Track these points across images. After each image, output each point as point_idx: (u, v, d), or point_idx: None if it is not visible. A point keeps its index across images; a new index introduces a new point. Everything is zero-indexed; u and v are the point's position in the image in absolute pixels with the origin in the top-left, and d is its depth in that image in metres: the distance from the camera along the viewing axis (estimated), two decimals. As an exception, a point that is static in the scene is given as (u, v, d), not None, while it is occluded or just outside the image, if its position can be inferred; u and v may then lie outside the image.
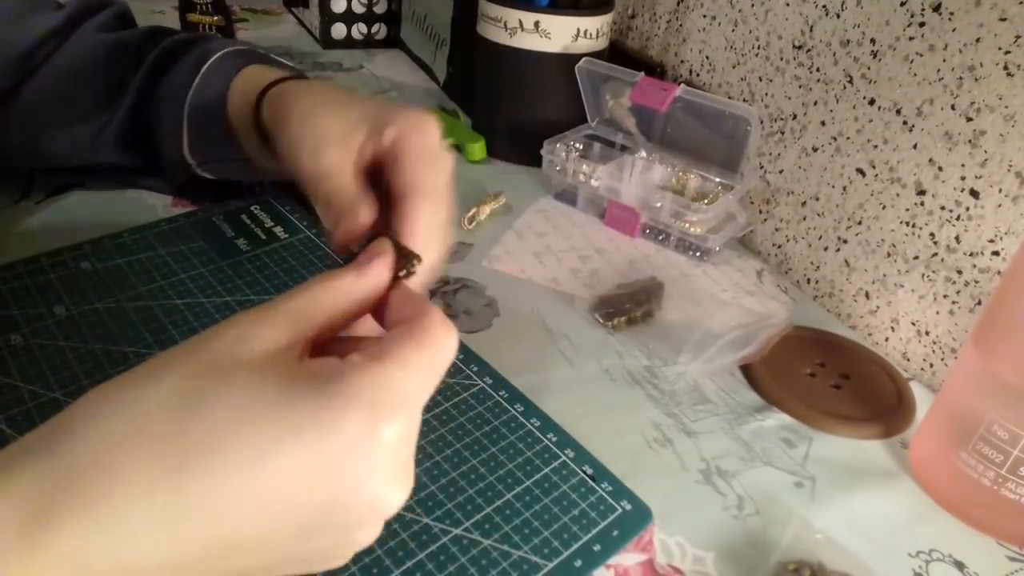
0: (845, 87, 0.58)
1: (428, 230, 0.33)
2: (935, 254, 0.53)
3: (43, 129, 0.54)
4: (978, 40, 0.48)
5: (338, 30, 1.04)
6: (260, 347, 0.24)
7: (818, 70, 0.60)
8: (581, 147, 0.72)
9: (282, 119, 0.41)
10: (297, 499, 0.23)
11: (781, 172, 0.65)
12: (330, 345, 0.28)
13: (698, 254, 0.65)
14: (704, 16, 0.72)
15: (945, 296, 0.53)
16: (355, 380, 0.24)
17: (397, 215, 0.34)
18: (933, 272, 0.53)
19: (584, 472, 0.42)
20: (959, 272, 0.52)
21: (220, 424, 0.22)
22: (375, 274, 0.29)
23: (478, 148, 0.77)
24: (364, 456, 0.23)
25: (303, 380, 0.24)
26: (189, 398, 0.23)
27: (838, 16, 0.58)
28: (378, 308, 0.29)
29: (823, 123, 0.60)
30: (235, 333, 0.24)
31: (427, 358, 0.26)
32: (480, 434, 0.44)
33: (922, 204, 0.53)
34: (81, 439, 0.22)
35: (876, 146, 0.56)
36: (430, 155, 0.35)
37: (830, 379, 0.52)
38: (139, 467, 0.22)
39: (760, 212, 0.68)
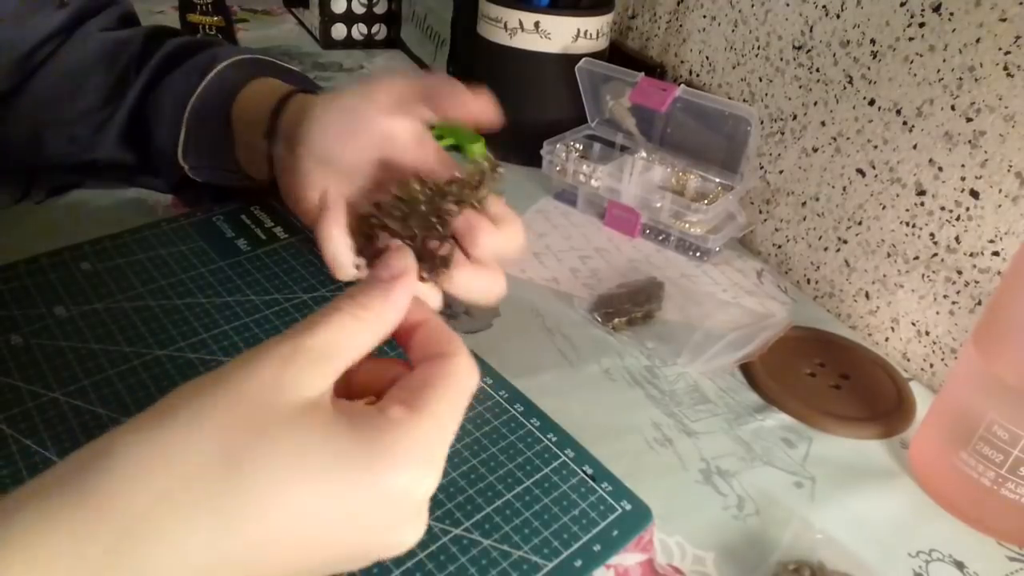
0: (845, 87, 0.58)
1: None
2: (935, 254, 0.53)
3: (45, 126, 0.55)
4: (978, 40, 0.48)
5: (338, 30, 1.04)
6: (296, 396, 0.24)
7: (818, 70, 0.60)
8: (581, 147, 0.72)
9: (317, 109, 0.41)
10: (335, 546, 0.24)
11: (781, 172, 0.65)
12: (353, 378, 0.28)
13: (698, 254, 0.65)
14: (704, 16, 0.72)
15: (945, 296, 0.53)
16: (401, 440, 0.24)
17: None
18: (933, 272, 0.53)
19: (584, 472, 0.42)
20: (959, 272, 0.52)
21: (268, 482, 0.22)
22: (402, 297, 0.28)
23: (478, 148, 0.77)
24: (401, 510, 0.25)
25: (346, 435, 0.24)
26: (233, 453, 0.22)
27: (838, 16, 0.58)
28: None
29: (823, 123, 0.60)
30: (269, 377, 0.24)
31: (459, 406, 0.27)
32: (480, 434, 0.44)
33: (922, 204, 0.53)
34: (127, 491, 0.22)
35: (876, 146, 0.56)
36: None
37: (830, 379, 0.52)
38: (187, 526, 0.22)
39: (760, 212, 0.68)
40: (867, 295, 0.59)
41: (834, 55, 0.58)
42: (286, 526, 0.23)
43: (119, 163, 0.57)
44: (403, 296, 0.28)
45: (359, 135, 0.39)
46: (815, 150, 0.61)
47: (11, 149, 0.55)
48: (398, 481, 0.24)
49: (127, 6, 0.60)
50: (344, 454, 0.23)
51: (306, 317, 0.27)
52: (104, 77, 0.55)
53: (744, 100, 0.68)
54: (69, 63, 0.55)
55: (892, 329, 0.57)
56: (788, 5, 0.62)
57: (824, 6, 0.59)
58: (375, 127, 0.38)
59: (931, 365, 0.55)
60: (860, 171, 0.58)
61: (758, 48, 0.66)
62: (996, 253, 0.49)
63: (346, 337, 0.26)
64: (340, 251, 0.33)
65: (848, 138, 0.58)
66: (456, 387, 0.27)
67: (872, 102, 0.56)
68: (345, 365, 0.26)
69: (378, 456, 0.24)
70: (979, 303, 0.51)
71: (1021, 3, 0.45)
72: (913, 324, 0.55)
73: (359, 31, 1.05)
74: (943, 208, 0.52)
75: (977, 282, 0.51)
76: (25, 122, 0.54)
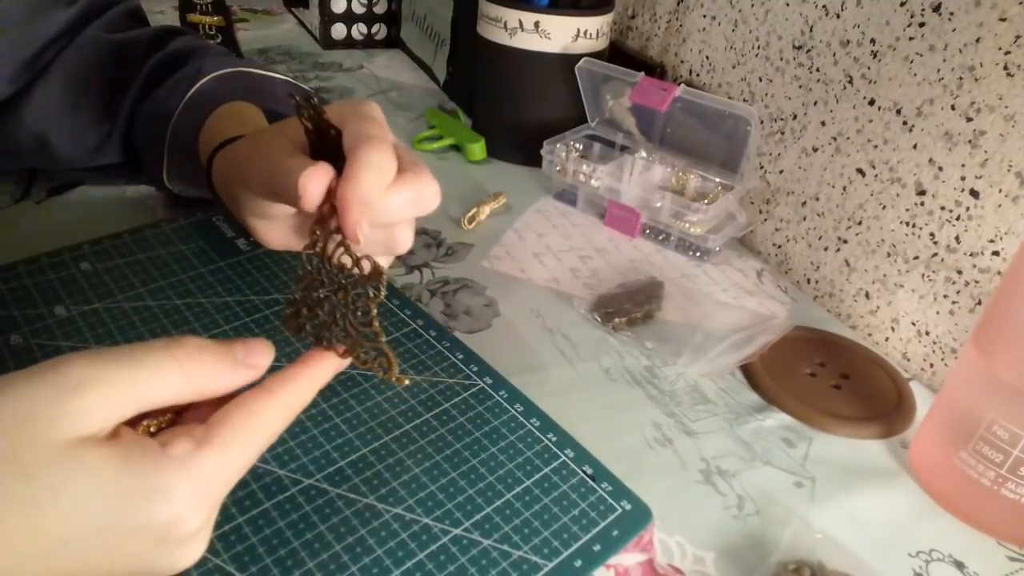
0: (845, 87, 0.58)
1: (381, 162, 0.32)
2: (935, 254, 0.53)
3: (51, 132, 0.54)
4: (978, 40, 0.48)
5: (338, 30, 1.04)
6: (67, 433, 0.24)
7: (818, 70, 0.60)
8: (581, 147, 0.72)
9: (232, 155, 0.41)
10: (95, 572, 0.25)
11: (781, 172, 0.65)
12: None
13: (698, 254, 0.65)
14: (704, 16, 0.72)
15: (945, 296, 0.53)
16: (174, 478, 0.25)
17: (348, 162, 0.32)
18: (933, 272, 0.53)
19: (584, 472, 0.42)
20: (959, 272, 0.52)
21: (21, 518, 0.23)
22: (242, 380, 0.28)
23: (478, 148, 0.77)
24: (166, 542, 0.25)
25: (114, 473, 0.24)
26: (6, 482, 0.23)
27: (838, 16, 0.58)
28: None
29: (823, 123, 0.60)
30: (44, 412, 0.24)
31: (252, 445, 0.27)
32: (480, 434, 0.44)
33: (922, 204, 0.53)
34: None
35: (876, 146, 0.56)
36: (371, 114, 0.34)
37: (830, 379, 0.52)
38: None
39: (760, 212, 0.68)
40: (867, 295, 0.59)
41: (834, 55, 0.58)
42: (38, 557, 0.23)
43: (120, 166, 0.57)
44: (242, 380, 0.28)
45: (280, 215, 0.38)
46: (815, 150, 0.61)
47: (20, 153, 0.55)
48: (160, 518, 0.25)
49: (133, 2, 0.60)
50: (110, 493, 0.24)
51: (136, 343, 0.26)
52: (108, 83, 0.55)
53: (744, 100, 0.68)
54: (74, 67, 0.54)
55: (892, 329, 0.57)
56: (788, 5, 0.62)
57: (824, 6, 0.59)
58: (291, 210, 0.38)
59: (931, 365, 0.55)
60: (860, 171, 0.58)
61: (758, 48, 0.66)
62: (996, 253, 0.49)
63: (157, 384, 0.26)
64: None
65: (848, 138, 0.58)
66: (252, 427, 0.27)
67: (872, 102, 0.56)
68: (143, 407, 0.26)
69: (145, 495, 0.24)
70: (979, 303, 0.51)
71: (1021, 3, 0.45)
72: (913, 324, 0.55)
73: (359, 31, 1.05)
74: (943, 208, 0.52)
75: (977, 282, 0.51)
76: (33, 127, 0.54)
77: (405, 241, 0.36)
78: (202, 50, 0.56)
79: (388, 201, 0.33)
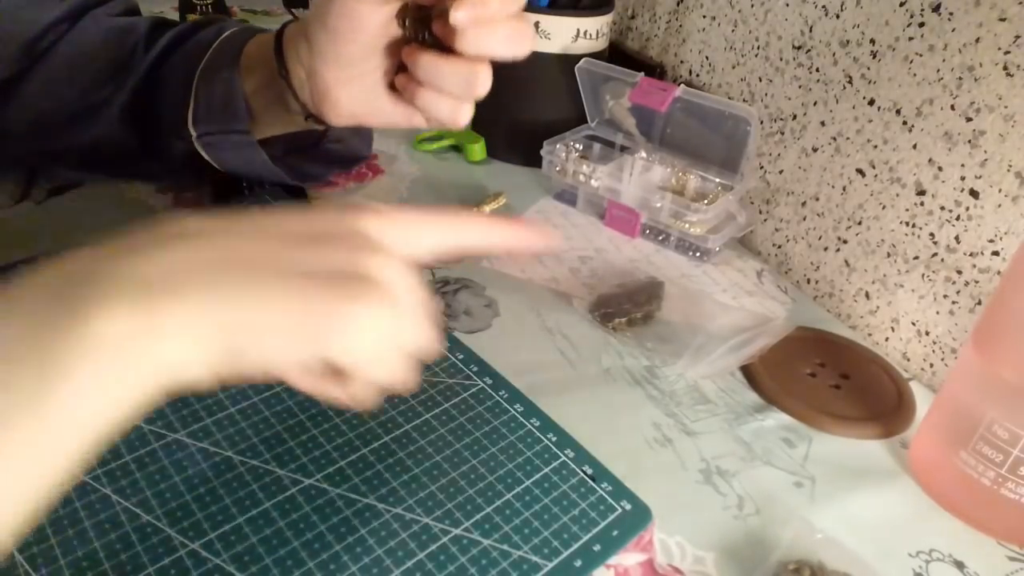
0: (845, 87, 0.58)
1: None
2: (935, 254, 0.53)
3: (48, 110, 0.55)
4: (978, 40, 0.48)
5: (338, 30, 1.04)
6: None
7: (818, 70, 0.60)
8: (581, 147, 0.72)
9: (319, 35, 0.44)
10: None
11: (781, 172, 0.65)
12: None
13: (698, 254, 0.65)
14: (704, 16, 0.72)
15: (945, 296, 0.53)
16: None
17: None
18: (933, 272, 0.53)
19: (584, 472, 0.42)
20: (959, 272, 0.52)
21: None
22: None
23: (478, 148, 0.77)
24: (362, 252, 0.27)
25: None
26: None
27: (838, 16, 0.58)
28: None
29: (823, 123, 0.60)
30: None
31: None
32: (480, 434, 0.44)
33: (922, 204, 0.53)
34: None
35: (876, 146, 0.56)
36: None
37: (830, 379, 0.52)
38: None
39: (760, 212, 0.68)
40: (867, 295, 0.59)
41: (834, 55, 0.58)
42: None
43: (120, 147, 0.57)
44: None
45: (358, 40, 0.43)
46: (815, 150, 0.61)
47: (15, 137, 0.55)
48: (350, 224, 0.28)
49: (131, 0, 0.60)
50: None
51: None
52: (109, 58, 0.55)
53: (744, 100, 0.68)
54: (75, 47, 0.55)
55: (892, 329, 0.57)
56: (788, 5, 0.62)
57: (824, 6, 0.59)
58: (369, 26, 0.42)
59: (931, 365, 0.55)
60: (860, 171, 0.58)
61: (758, 48, 0.66)
62: (996, 253, 0.49)
63: None
64: None
65: (848, 138, 0.58)
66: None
67: (872, 102, 0.56)
68: None
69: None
70: (979, 303, 0.51)
71: (1021, 3, 0.45)
72: (913, 324, 0.55)
73: (359, 31, 1.05)
74: (943, 208, 0.52)
75: (977, 282, 0.51)
76: (29, 108, 0.54)
77: (485, 81, 0.40)
78: (219, 19, 0.59)
79: (498, 27, 0.38)
